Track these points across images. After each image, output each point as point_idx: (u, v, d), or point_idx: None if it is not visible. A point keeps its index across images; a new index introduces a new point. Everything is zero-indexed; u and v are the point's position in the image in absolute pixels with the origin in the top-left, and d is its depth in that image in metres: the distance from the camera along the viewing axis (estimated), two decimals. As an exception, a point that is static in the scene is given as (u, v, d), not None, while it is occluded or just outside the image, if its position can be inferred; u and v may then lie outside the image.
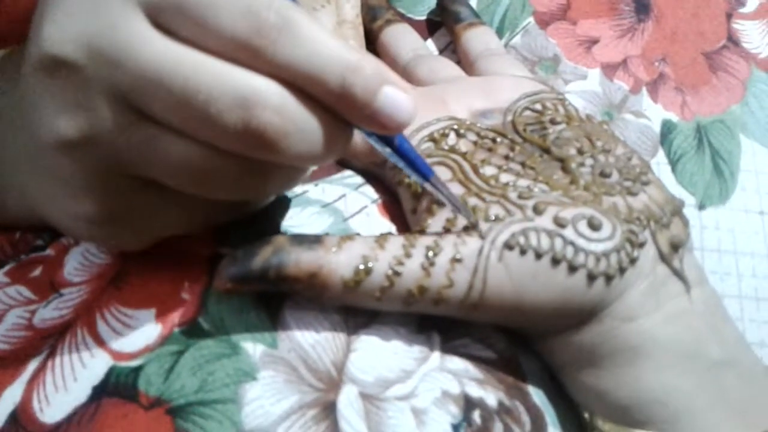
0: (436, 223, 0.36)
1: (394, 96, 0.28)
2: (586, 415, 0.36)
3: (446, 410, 0.33)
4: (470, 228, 0.34)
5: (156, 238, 0.34)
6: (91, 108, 0.28)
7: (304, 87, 0.28)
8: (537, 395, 0.36)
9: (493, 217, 0.35)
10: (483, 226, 0.34)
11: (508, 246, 0.34)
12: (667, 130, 0.48)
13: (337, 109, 0.29)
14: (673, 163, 0.47)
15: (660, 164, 0.47)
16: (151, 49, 0.27)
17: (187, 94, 0.27)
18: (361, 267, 0.33)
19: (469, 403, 0.34)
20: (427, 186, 0.34)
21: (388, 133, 0.30)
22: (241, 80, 0.27)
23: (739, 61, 0.50)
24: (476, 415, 0.33)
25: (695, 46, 0.51)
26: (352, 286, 0.33)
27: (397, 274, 0.33)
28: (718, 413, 0.33)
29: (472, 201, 0.36)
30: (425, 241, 0.34)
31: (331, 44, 0.27)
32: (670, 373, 0.34)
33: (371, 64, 0.28)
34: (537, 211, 0.35)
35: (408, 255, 0.34)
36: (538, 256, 0.33)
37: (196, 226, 0.34)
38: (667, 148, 0.47)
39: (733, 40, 0.51)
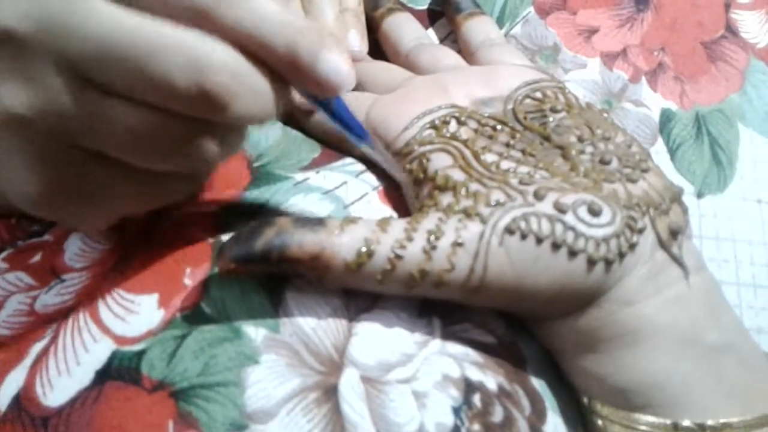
0: (437, 207, 0.36)
1: (334, 60, 0.29)
2: (585, 400, 0.36)
3: (447, 393, 0.33)
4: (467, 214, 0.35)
5: (112, 218, 0.34)
6: (40, 81, 0.28)
7: (253, 50, 0.29)
8: (537, 380, 0.36)
9: (494, 203, 0.35)
10: (484, 210, 0.35)
11: (509, 230, 0.34)
12: (666, 118, 0.48)
13: (282, 71, 0.30)
14: (672, 152, 0.47)
15: (659, 153, 0.47)
16: (101, 17, 0.27)
17: (140, 61, 0.27)
18: (363, 250, 0.33)
19: (469, 387, 0.34)
20: (363, 148, 0.36)
21: (328, 95, 0.31)
22: (193, 43, 0.28)
23: (737, 50, 0.51)
24: (476, 399, 0.34)
25: (694, 35, 0.51)
26: (354, 268, 0.33)
27: (398, 257, 0.33)
28: (716, 397, 0.34)
29: (474, 186, 0.36)
30: (427, 224, 0.35)
31: (277, 10, 0.29)
32: (669, 357, 0.34)
33: (314, 29, 0.29)
34: (538, 196, 0.35)
35: (410, 238, 0.34)
36: (539, 240, 0.34)
37: (151, 204, 0.34)
38: (666, 136, 0.47)
39: (731, 30, 0.51)
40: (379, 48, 0.51)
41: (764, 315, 0.45)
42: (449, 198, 0.36)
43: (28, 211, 0.33)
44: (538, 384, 0.36)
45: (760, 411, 0.33)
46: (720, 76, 0.50)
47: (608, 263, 0.34)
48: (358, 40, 0.49)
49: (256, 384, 0.32)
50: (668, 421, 0.33)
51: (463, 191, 0.36)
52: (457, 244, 0.34)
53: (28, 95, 0.28)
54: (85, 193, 0.31)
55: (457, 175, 0.37)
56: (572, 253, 0.34)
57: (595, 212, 0.34)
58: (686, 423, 0.33)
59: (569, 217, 0.34)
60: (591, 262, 0.34)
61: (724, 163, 0.47)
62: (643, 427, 0.34)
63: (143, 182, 0.32)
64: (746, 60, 0.50)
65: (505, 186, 0.36)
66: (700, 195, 0.46)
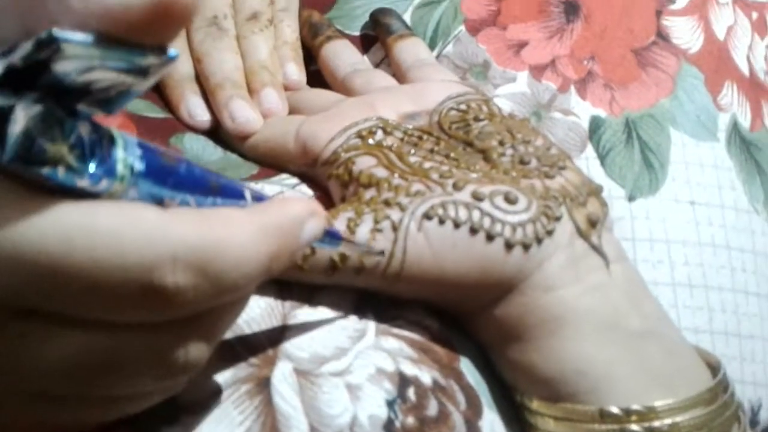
0: (360, 201, 0.41)
1: None
2: (518, 398, 0.41)
3: (381, 386, 0.38)
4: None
5: None
6: None
7: None
8: (472, 376, 0.41)
9: (414, 193, 0.40)
10: (404, 200, 0.40)
11: (427, 216, 0.39)
12: (596, 125, 0.53)
13: None
14: (602, 158, 0.52)
15: (589, 158, 0.52)
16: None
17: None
18: None
19: (403, 381, 0.38)
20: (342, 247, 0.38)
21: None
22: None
23: (668, 56, 0.56)
24: (411, 392, 0.38)
25: (625, 43, 0.56)
26: None
27: None
28: (639, 382, 0.38)
29: (396, 181, 0.41)
30: (347, 213, 0.40)
31: None
32: (591, 343, 0.39)
33: None
34: (456, 187, 0.40)
35: (329, 225, 0.38)
36: (457, 225, 0.39)
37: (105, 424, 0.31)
38: (595, 143, 0.53)
39: (662, 36, 0.57)
40: (320, 80, 0.56)
41: (701, 314, 0.50)
42: (372, 192, 0.41)
43: None
44: (473, 380, 0.41)
45: (684, 394, 0.38)
46: (650, 81, 0.55)
47: (526, 247, 0.39)
48: (297, 72, 0.55)
49: (188, 377, 0.35)
50: (594, 408, 0.38)
51: (385, 186, 0.41)
52: (376, 230, 0.39)
53: None
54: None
55: (381, 173, 0.42)
56: (489, 238, 0.39)
57: (511, 200, 0.40)
58: (612, 409, 0.37)
59: (486, 205, 0.39)
60: (508, 246, 0.39)
61: (655, 167, 0.52)
62: (573, 417, 0.38)
63: (99, 409, 0.29)
64: (677, 65, 0.56)
65: (425, 179, 0.41)
66: (631, 198, 0.52)
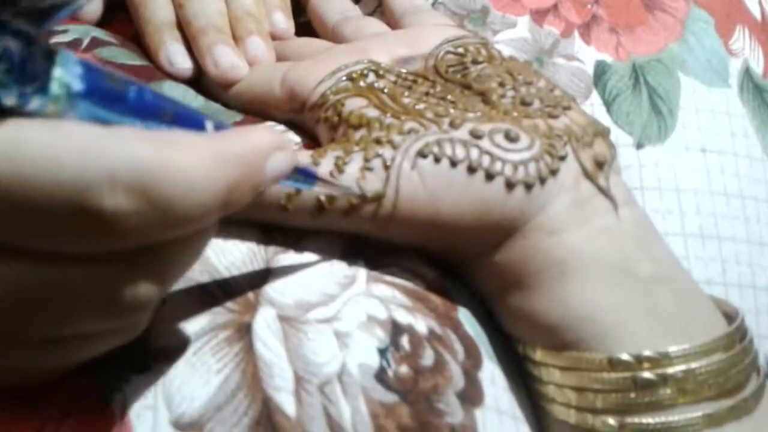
0: (349, 141, 0.39)
1: None
2: (521, 348, 0.39)
3: (372, 334, 0.36)
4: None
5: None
6: None
7: None
8: (470, 326, 0.39)
9: (408, 131, 0.38)
10: (397, 138, 0.38)
11: (422, 154, 0.37)
12: (601, 71, 0.51)
13: None
14: (608, 104, 0.50)
15: (594, 105, 0.50)
16: None
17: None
18: None
19: (396, 329, 0.36)
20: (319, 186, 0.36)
21: None
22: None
23: (677, 0, 0.54)
24: (404, 340, 0.36)
25: (629, -13, 0.54)
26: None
27: None
28: (651, 328, 0.36)
29: (388, 120, 0.39)
30: (335, 152, 0.37)
31: None
32: (599, 288, 0.37)
33: None
34: (453, 125, 0.38)
35: (316, 164, 0.36)
36: (453, 164, 0.37)
37: (63, 371, 0.30)
38: (601, 89, 0.51)
39: (670, -19, 0.55)
40: (309, 33, 0.54)
41: (714, 266, 0.48)
42: (362, 133, 0.39)
43: None
44: (472, 331, 0.39)
45: (698, 340, 0.36)
46: (658, 25, 0.53)
47: (528, 187, 0.37)
48: (284, 20, 0.52)
49: (163, 321, 0.33)
50: (603, 356, 0.36)
51: (376, 125, 0.39)
52: (366, 169, 0.37)
53: None
54: None
55: (372, 113, 0.40)
56: (489, 177, 0.37)
57: (512, 138, 0.37)
58: (623, 356, 0.35)
59: (485, 143, 0.37)
60: (509, 186, 0.37)
61: (664, 113, 0.50)
62: (580, 366, 0.36)
63: (44, 353, 0.27)
64: (686, 9, 0.54)
65: (420, 118, 0.39)
66: (639, 146, 0.49)
